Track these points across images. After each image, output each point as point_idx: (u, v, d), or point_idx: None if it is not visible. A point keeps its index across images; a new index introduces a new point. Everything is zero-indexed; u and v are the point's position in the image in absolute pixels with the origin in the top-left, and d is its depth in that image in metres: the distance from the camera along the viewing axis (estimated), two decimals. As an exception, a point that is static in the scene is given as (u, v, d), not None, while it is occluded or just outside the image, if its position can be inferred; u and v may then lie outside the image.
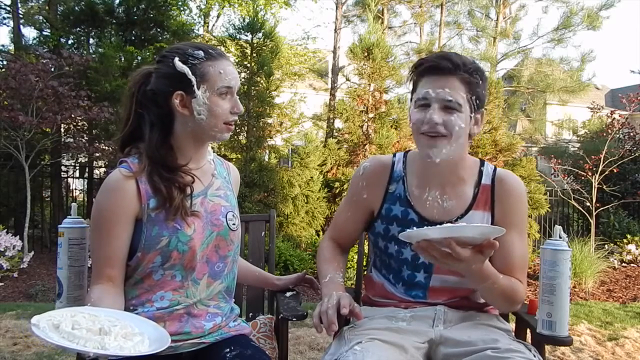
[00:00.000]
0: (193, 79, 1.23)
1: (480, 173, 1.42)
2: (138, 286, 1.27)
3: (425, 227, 1.13)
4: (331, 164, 6.47)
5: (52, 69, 5.63)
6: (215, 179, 1.38)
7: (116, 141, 1.35)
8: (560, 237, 1.30)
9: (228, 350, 1.27)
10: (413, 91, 1.36)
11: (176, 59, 1.24)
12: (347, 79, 7.96)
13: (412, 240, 1.13)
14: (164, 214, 1.24)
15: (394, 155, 1.50)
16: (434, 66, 1.29)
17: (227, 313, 1.37)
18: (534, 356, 1.22)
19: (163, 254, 1.24)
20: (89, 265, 1.31)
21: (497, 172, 1.42)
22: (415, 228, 1.16)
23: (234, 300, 1.43)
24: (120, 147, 1.34)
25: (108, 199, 1.23)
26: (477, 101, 1.32)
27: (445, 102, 1.27)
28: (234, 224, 1.36)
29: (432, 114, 1.27)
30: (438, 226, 1.10)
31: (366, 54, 6.46)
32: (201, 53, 1.26)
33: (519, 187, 1.41)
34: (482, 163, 1.44)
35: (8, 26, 8.85)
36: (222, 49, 7.47)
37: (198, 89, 1.24)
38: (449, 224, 1.12)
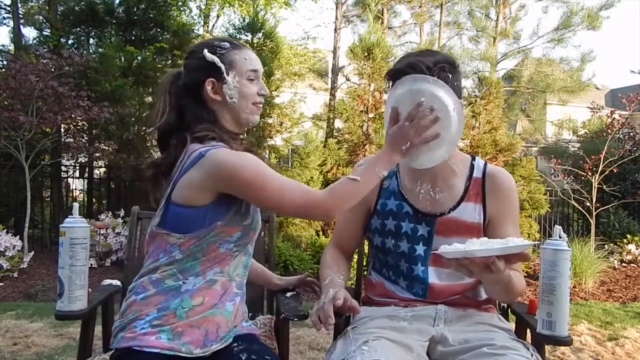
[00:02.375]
0: (222, 66, 1.33)
1: (472, 167, 1.45)
2: (202, 253, 1.28)
3: (470, 248, 1.14)
4: (331, 164, 6.47)
5: (52, 69, 5.63)
6: None
7: (152, 132, 1.40)
8: (560, 237, 1.30)
9: (236, 344, 1.31)
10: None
11: (205, 50, 1.33)
12: (347, 79, 7.97)
13: (455, 256, 1.14)
14: None
15: None
16: (407, 73, 1.31)
17: (242, 294, 1.40)
18: (532, 355, 1.23)
19: (244, 232, 1.31)
20: (91, 266, 1.31)
21: (487, 167, 1.46)
22: (456, 245, 1.17)
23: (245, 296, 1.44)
24: (158, 138, 1.39)
25: (250, 157, 1.25)
26: None
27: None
28: None
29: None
30: (484, 247, 1.13)
31: (366, 54, 6.46)
32: (227, 44, 1.37)
33: (509, 181, 1.45)
34: (473, 158, 1.47)
35: (8, 26, 8.87)
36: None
37: (227, 75, 1.33)
38: (498, 241, 1.15)
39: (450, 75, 1.33)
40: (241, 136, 1.40)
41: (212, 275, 1.29)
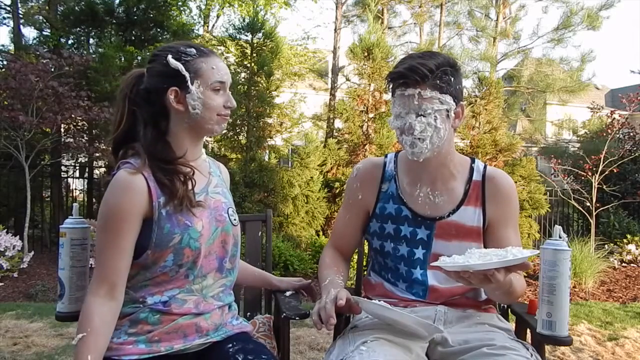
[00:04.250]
0: (187, 74, 1.26)
1: (472, 170, 1.44)
2: (151, 281, 1.27)
3: (469, 261, 1.14)
4: (331, 164, 6.47)
5: (52, 69, 5.63)
6: (212, 176, 1.41)
7: (109, 142, 1.37)
8: (560, 237, 1.30)
9: (230, 345, 1.30)
10: (392, 96, 1.40)
11: (169, 56, 1.26)
12: (347, 79, 7.96)
13: (454, 269, 1.14)
14: (173, 209, 1.25)
15: (386, 156, 1.54)
16: (409, 77, 1.31)
17: (228, 305, 1.39)
18: (531, 355, 1.23)
19: (175, 252, 1.24)
20: (92, 266, 1.31)
21: (487, 170, 1.45)
22: (455, 258, 1.18)
23: (233, 297, 1.44)
24: (113, 149, 1.35)
25: (120, 197, 1.22)
26: (452, 99, 1.34)
27: (419, 110, 1.31)
28: (235, 219, 1.39)
29: (407, 124, 1.33)
30: (482, 260, 1.13)
31: (366, 54, 6.46)
32: (193, 50, 1.29)
33: (509, 184, 1.44)
34: (472, 160, 1.47)
35: (8, 26, 8.87)
36: (222, 49, 7.45)
37: (192, 84, 1.26)
38: (497, 252, 1.16)
39: (452, 79, 1.33)
40: (180, 160, 1.29)
41: (175, 294, 1.27)
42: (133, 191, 1.22)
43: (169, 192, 1.24)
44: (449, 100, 1.32)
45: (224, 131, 6.17)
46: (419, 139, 1.32)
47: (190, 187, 1.28)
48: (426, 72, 1.29)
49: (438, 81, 1.30)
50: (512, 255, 1.13)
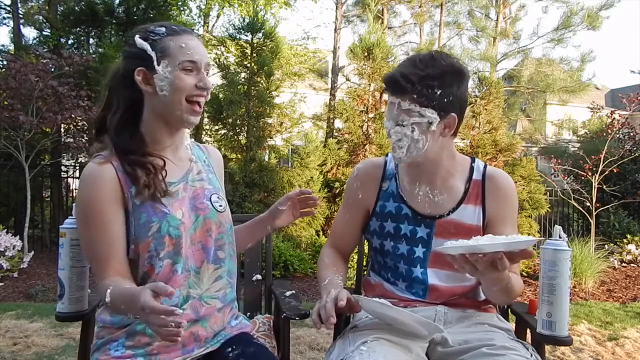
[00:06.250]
0: (153, 54, 1.21)
1: (472, 169, 1.45)
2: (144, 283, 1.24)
3: (478, 242, 1.12)
4: (331, 164, 6.47)
5: (52, 69, 5.63)
6: (193, 163, 1.36)
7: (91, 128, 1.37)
8: (560, 237, 1.30)
9: (230, 350, 1.27)
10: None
11: (137, 37, 1.23)
12: (347, 79, 7.96)
13: (463, 252, 1.12)
14: (145, 199, 1.21)
15: (386, 155, 1.54)
16: (391, 86, 1.33)
17: (230, 303, 1.36)
18: (531, 355, 1.23)
19: (156, 241, 1.21)
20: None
21: (487, 169, 1.45)
22: (460, 241, 1.16)
23: (235, 294, 1.40)
24: (95, 134, 1.33)
25: (90, 188, 1.20)
26: (437, 112, 1.30)
27: (397, 119, 1.32)
28: (220, 206, 1.33)
29: (388, 130, 1.35)
30: (491, 241, 1.11)
31: (366, 54, 6.46)
32: (162, 29, 1.24)
33: (509, 183, 1.44)
34: (472, 160, 1.47)
35: (8, 26, 8.86)
36: (222, 49, 7.46)
37: (159, 64, 1.21)
38: (503, 237, 1.14)
39: (438, 91, 1.28)
40: (149, 154, 1.25)
41: (174, 303, 1.21)
42: (103, 180, 1.20)
43: (136, 182, 1.21)
44: (429, 114, 1.29)
45: (224, 131, 6.23)
46: (397, 145, 1.33)
47: (160, 177, 1.23)
48: (405, 84, 1.28)
49: (416, 95, 1.28)
50: (519, 239, 1.11)
